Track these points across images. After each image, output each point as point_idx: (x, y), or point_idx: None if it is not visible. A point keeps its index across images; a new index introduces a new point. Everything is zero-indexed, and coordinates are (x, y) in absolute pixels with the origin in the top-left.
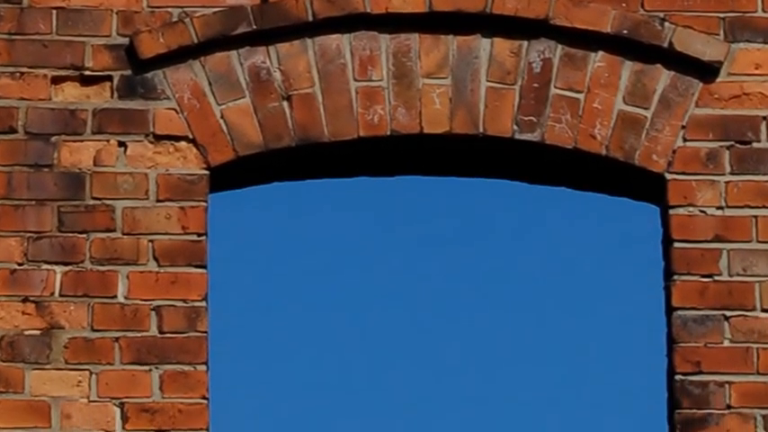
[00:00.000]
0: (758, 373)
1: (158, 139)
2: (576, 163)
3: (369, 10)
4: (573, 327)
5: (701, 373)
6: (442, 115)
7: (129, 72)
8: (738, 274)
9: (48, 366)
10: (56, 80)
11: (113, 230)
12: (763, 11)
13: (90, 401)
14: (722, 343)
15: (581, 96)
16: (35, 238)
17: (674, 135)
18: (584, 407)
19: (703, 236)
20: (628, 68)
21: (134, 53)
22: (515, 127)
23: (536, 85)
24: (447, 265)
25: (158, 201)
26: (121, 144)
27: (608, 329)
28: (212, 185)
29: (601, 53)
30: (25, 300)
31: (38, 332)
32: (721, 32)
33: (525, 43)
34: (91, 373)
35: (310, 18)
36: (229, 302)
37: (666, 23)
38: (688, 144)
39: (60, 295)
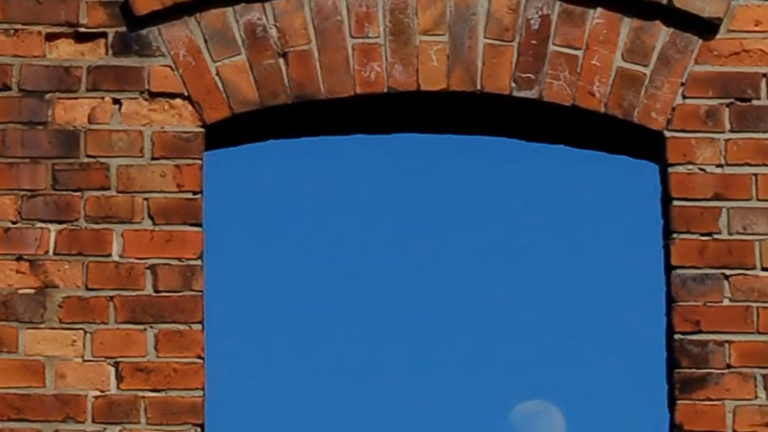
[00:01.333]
0: (758, 333)
1: (153, 96)
2: (575, 120)
3: None
4: (570, 286)
5: (700, 332)
6: (439, 72)
7: (123, 29)
8: (738, 233)
9: (42, 326)
10: (50, 37)
11: (108, 188)
12: None
13: (84, 361)
14: (722, 302)
15: (579, 53)
16: (29, 196)
17: (673, 92)
18: (583, 366)
19: (703, 194)
20: (627, 25)
21: (129, 10)
22: (513, 84)
23: (534, 41)
24: (444, 224)
25: (153, 158)
26: (116, 101)
27: (606, 288)
28: (208, 143)
29: (599, 10)
30: (19, 258)
31: (32, 291)
32: None
33: (523, 0)
34: (85, 333)
35: None
36: (225, 261)
37: None
38: (687, 101)
39: (54, 254)
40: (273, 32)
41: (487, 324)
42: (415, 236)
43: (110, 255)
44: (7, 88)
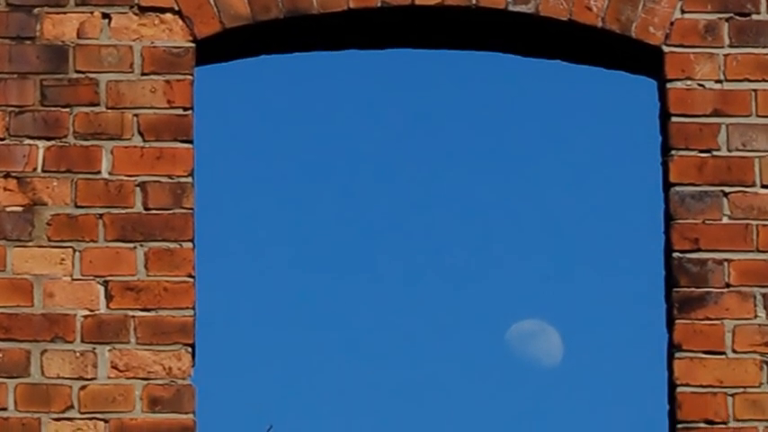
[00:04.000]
0: (758, 251)
1: (143, 10)
2: (571, 35)
3: None
4: (568, 204)
5: (699, 250)
6: None
7: None
8: (737, 149)
9: (30, 244)
10: None
11: (97, 104)
12: None
13: (73, 280)
14: (721, 219)
15: None
16: (17, 112)
17: (671, 7)
18: (580, 285)
19: (702, 110)
20: None
21: None
22: None
23: None
24: (439, 140)
25: (143, 74)
26: (105, 16)
27: (604, 206)
28: (198, 58)
29: None
30: (7, 175)
31: (20, 209)
32: None
33: None
34: (74, 251)
35: None
36: (216, 178)
37: None
38: (686, 16)
39: (43, 171)
40: None
41: (484, 242)
42: (409, 152)
43: (99, 172)
44: None
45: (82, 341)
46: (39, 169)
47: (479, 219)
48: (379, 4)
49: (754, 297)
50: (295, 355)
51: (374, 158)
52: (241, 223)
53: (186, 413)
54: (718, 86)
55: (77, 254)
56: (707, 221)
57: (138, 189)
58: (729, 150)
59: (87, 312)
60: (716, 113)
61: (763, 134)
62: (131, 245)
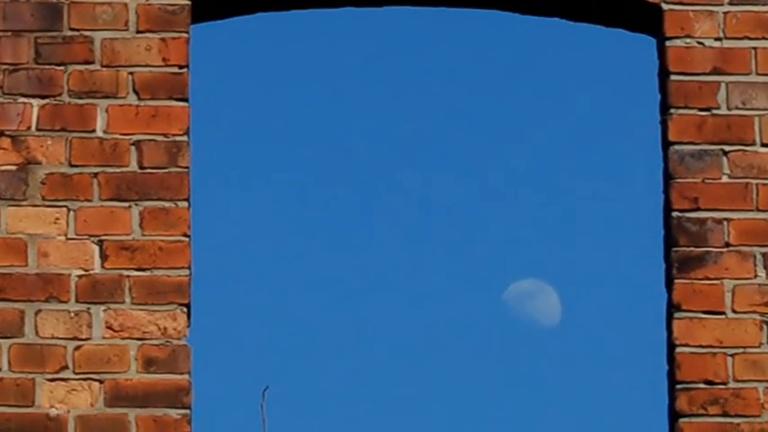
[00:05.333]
0: (757, 210)
1: None
2: None
3: None
4: (566, 162)
5: (698, 209)
6: None
7: None
8: (737, 108)
9: (24, 203)
10: None
11: (92, 62)
12: None
13: (68, 239)
14: (720, 178)
15: None
16: (11, 70)
17: None
18: (579, 244)
19: (701, 68)
20: None
21: None
22: None
23: None
24: (436, 97)
25: (138, 32)
26: None
27: (602, 165)
28: (194, 16)
29: None
30: (1, 134)
31: (14, 168)
32: None
33: None
34: (69, 210)
35: None
36: (211, 136)
37: None
38: None
39: (37, 129)
40: None
41: (481, 201)
42: (406, 109)
43: (94, 130)
44: None
45: (76, 301)
46: (33, 128)
47: (477, 177)
48: None
49: (754, 257)
50: (291, 316)
51: (371, 116)
52: (237, 182)
53: (181, 374)
54: (717, 44)
55: (72, 213)
56: (706, 180)
57: (133, 148)
58: (729, 109)
59: (82, 272)
60: (715, 72)
61: (763, 92)
62: (126, 204)
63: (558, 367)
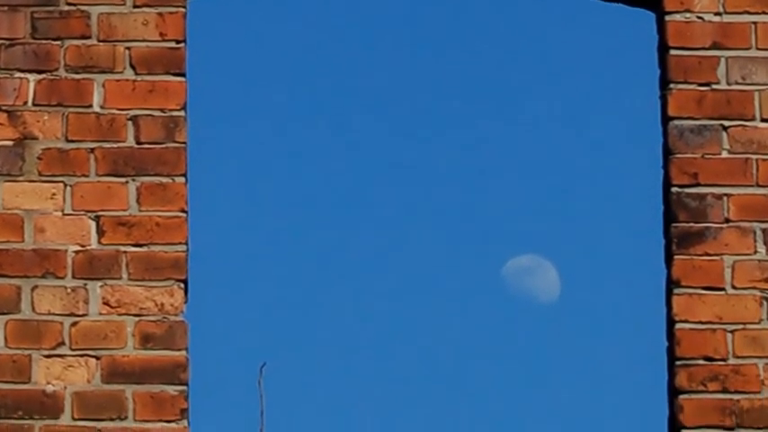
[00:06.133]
0: (757, 185)
1: None
2: None
3: None
4: (565, 137)
5: (698, 185)
6: None
7: None
8: (737, 83)
9: (20, 178)
10: None
11: (89, 37)
12: None
13: (64, 215)
14: (720, 154)
15: None
16: (7, 45)
17: None
18: (578, 220)
19: (701, 43)
20: None
21: None
22: None
23: None
24: (434, 72)
25: (135, 6)
26: None
27: (601, 140)
28: None
29: None
30: None
31: (10, 143)
32: None
33: None
34: (65, 186)
35: None
36: (209, 112)
37: None
38: None
39: (34, 104)
40: None
41: (479, 176)
42: (403, 85)
43: (90, 105)
44: None
45: (73, 277)
46: (29, 103)
47: (475, 152)
48: None
49: (754, 232)
50: (289, 292)
51: (370, 90)
52: (234, 157)
53: (179, 350)
54: (717, 19)
55: (68, 188)
56: (706, 156)
57: (130, 123)
58: (729, 84)
59: (78, 248)
60: (715, 46)
61: (763, 67)
62: (123, 179)
63: (557, 344)
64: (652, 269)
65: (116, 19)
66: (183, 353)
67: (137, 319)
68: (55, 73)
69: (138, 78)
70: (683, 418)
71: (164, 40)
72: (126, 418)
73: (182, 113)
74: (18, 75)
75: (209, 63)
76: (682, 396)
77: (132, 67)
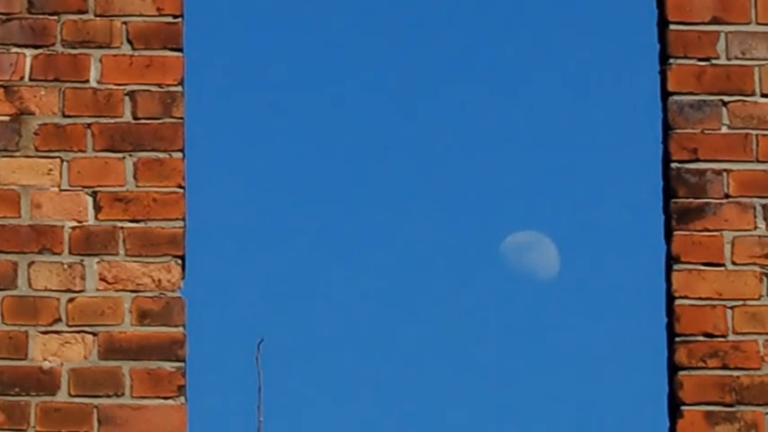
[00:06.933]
0: (757, 161)
1: None
2: None
3: None
4: (565, 113)
5: (697, 160)
6: None
7: None
8: (737, 58)
9: (17, 154)
10: None
11: (85, 12)
12: None
13: (61, 190)
14: (720, 129)
15: None
16: (4, 20)
17: None
18: (577, 196)
19: (700, 17)
20: None
21: None
22: None
23: None
24: (433, 49)
25: None
26: None
27: (601, 115)
28: None
29: None
30: None
31: (7, 118)
32: None
33: None
34: (62, 161)
35: None
36: (206, 87)
37: None
38: None
39: (30, 80)
40: None
41: (478, 151)
42: (404, 60)
43: (87, 81)
44: None
45: (70, 253)
46: (26, 78)
47: (473, 129)
48: None
49: (754, 208)
50: (287, 268)
51: (368, 65)
52: (231, 133)
53: (176, 326)
54: None
55: (65, 164)
56: (706, 131)
57: (126, 98)
58: (729, 59)
59: (75, 223)
60: (715, 21)
61: (763, 42)
62: (120, 155)
63: (556, 320)
64: (651, 245)
65: None
66: (181, 329)
67: (134, 295)
68: (51, 48)
69: (136, 53)
70: (683, 394)
71: (161, 15)
72: (123, 394)
73: (179, 88)
74: (15, 50)
75: (206, 38)
76: (681, 372)
77: (129, 41)
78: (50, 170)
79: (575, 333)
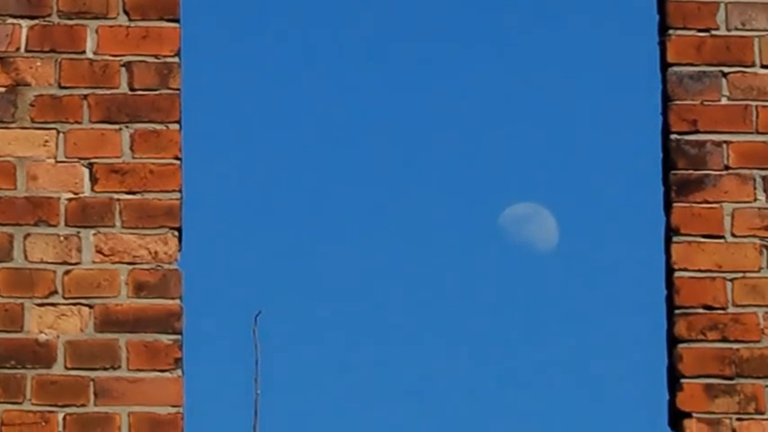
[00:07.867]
0: (757, 132)
1: None
2: None
3: None
4: (564, 84)
5: (697, 132)
6: None
7: None
8: (737, 29)
9: (13, 125)
10: None
11: None
12: None
13: (57, 162)
14: (720, 100)
15: None
16: None
17: None
18: (576, 168)
19: None
20: None
21: None
22: None
23: None
24: (432, 23)
25: None
26: None
27: (601, 87)
28: None
29: None
30: None
31: (2, 90)
32: None
33: None
34: (58, 132)
35: None
36: (203, 58)
37: None
38: None
39: (26, 51)
40: None
41: (476, 123)
42: (400, 35)
43: (83, 52)
44: None
45: (66, 225)
46: (22, 49)
47: (472, 100)
48: None
49: (754, 180)
50: (284, 240)
51: (365, 38)
52: (228, 104)
53: (172, 298)
54: None
55: (61, 135)
56: (705, 102)
57: (123, 69)
58: (728, 30)
59: (71, 195)
60: None
61: (763, 13)
62: (116, 126)
63: (555, 292)
64: (651, 217)
65: None
66: (177, 301)
67: (130, 267)
68: (47, 19)
69: (132, 24)
70: (683, 367)
71: None
72: (119, 367)
73: (175, 60)
74: (10, 21)
75: (203, 9)
76: (681, 345)
77: (126, 12)
78: (46, 142)
79: (574, 305)
